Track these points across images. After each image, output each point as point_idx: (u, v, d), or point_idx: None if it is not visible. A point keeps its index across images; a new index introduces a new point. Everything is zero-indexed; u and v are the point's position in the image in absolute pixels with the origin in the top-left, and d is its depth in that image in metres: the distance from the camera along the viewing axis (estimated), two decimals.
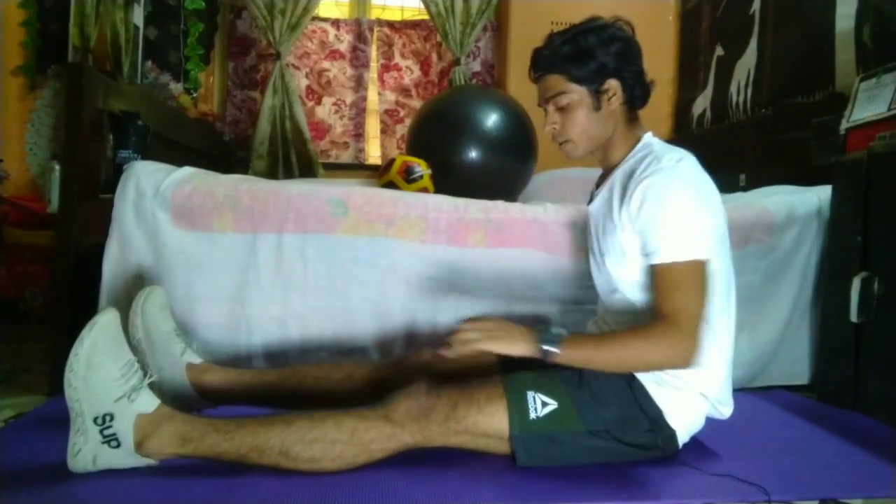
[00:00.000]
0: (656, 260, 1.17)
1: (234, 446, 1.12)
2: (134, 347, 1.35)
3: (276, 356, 1.69)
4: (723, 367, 1.27)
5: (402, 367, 1.39)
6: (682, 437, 1.26)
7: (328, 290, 1.70)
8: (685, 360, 1.13)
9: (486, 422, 1.19)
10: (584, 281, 1.77)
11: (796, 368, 1.92)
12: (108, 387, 1.11)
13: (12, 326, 2.55)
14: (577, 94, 1.27)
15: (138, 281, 1.62)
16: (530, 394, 1.21)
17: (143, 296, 1.39)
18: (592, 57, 1.25)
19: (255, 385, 1.40)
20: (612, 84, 1.27)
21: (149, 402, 1.15)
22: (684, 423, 1.24)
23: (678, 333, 1.13)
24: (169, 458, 1.14)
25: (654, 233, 1.17)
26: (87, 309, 1.62)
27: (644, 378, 1.23)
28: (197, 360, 1.40)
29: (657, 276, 1.18)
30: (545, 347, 1.13)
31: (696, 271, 1.15)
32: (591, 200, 1.41)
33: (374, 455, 1.16)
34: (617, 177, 1.29)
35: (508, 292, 1.75)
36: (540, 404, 1.20)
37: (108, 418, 1.11)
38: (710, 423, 1.31)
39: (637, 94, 1.30)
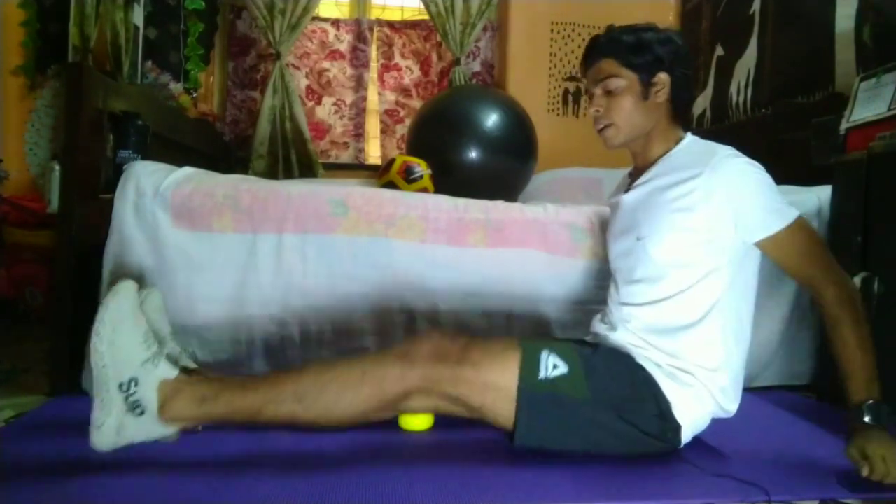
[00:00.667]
0: (776, 228, 1.22)
1: (248, 402, 1.14)
2: None
3: (277, 356, 1.69)
4: (740, 360, 1.30)
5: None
6: (686, 435, 1.26)
7: (328, 290, 1.70)
8: (856, 287, 1.27)
9: (497, 371, 1.20)
10: (583, 281, 1.77)
11: (796, 368, 1.92)
12: (134, 349, 1.12)
13: (12, 326, 2.55)
14: (627, 79, 1.32)
15: (138, 281, 1.61)
16: (544, 353, 1.23)
17: (140, 298, 1.38)
18: (650, 49, 1.31)
19: None
20: (663, 77, 1.32)
21: (170, 369, 1.15)
22: (690, 420, 1.25)
23: (840, 283, 1.22)
24: (189, 423, 1.15)
25: (761, 206, 1.23)
26: (87, 309, 1.62)
27: (655, 371, 1.25)
28: (191, 366, 1.39)
29: (783, 242, 1.23)
30: (881, 420, 1.16)
31: (807, 225, 1.26)
32: (627, 190, 1.42)
33: (387, 395, 1.17)
34: (668, 167, 1.33)
35: (508, 292, 1.75)
36: (552, 366, 1.22)
37: (133, 384, 1.11)
38: (712, 422, 1.31)
39: (683, 96, 1.36)
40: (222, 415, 1.15)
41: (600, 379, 1.23)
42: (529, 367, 1.21)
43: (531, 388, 1.20)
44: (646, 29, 1.34)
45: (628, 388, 1.23)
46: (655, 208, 1.30)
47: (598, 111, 1.35)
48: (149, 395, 1.12)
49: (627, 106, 1.32)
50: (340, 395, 1.15)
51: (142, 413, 1.12)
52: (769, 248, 1.26)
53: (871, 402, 1.17)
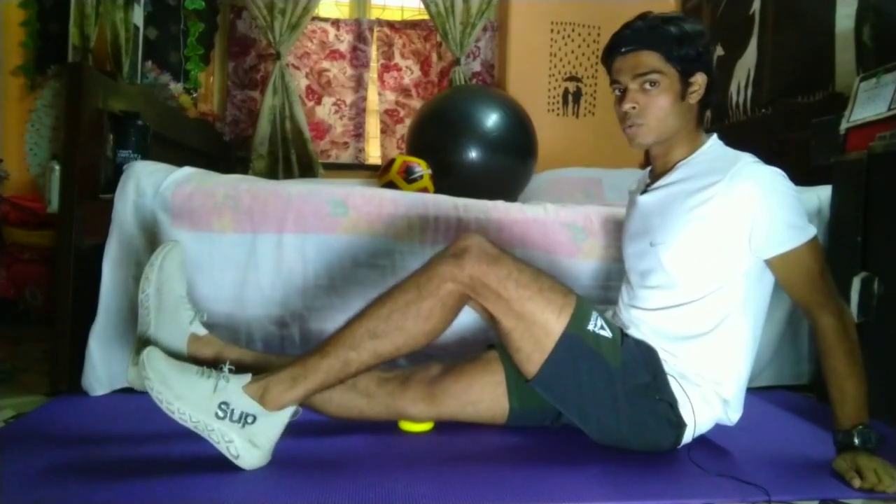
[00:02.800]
0: (790, 246, 1.19)
1: (331, 361, 1.17)
2: (140, 302, 1.33)
3: None
4: (746, 373, 1.29)
5: (410, 380, 1.36)
6: (688, 435, 1.27)
7: (328, 289, 1.70)
8: (852, 317, 1.24)
9: (542, 306, 1.21)
10: (583, 281, 1.77)
11: (796, 368, 1.92)
12: (199, 394, 1.13)
13: (12, 326, 2.55)
14: (669, 77, 1.23)
15: (138, 281, 1.62)
16: (595, 313, 1.26)
17: (163, 251, 1.35)
18: (691, 43, 1.23)
19: (258, 367, 1.38)
20: (699, 79, 1.26)
21: (240, 377, 1.17)
22: (694, 421, 1.25)
23: (838, 313, 1.20)
24: (289, 405, 1.17)
25: (780, 219, 1.19)
26: (87, 309, 1.62)
27: (670, 370, 1.26)
28: (202, 331, 1.37)
29: (792, 261, 1.20)
30: (869, 445, 1.18)
31: (819, 246, 1.23)
32: (644, 191, 1.38)
33: (446, 302, 1.20)
34: (688, 173, 1.28)
35: None
36: (599, 325, 1.25)
37: (223, 406, 1.13)
38: (714, 425, 1.32)
39: (711, 99, 1.30)
40: (319, 384, 1.18)
41: (632, 357, 1.24)
42: (581, 316, 1.23)
43: (576, 333, 1.22)
44: (683, 19, 1.25)
45: (650, 376, 1.24)
46: (671, 215, 1.27)
47: (633, 108, 1.25)
48: (244, 403, 1.14)
49: (665, 105, 1.24)
50: (406, 315, 1.18)
51: (254, 419, 1.14)
52: (776, 265, 1.22)
53: (860, 426, 1.18)
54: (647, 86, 1.24)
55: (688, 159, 1.31)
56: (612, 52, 1.29)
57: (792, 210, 1.19)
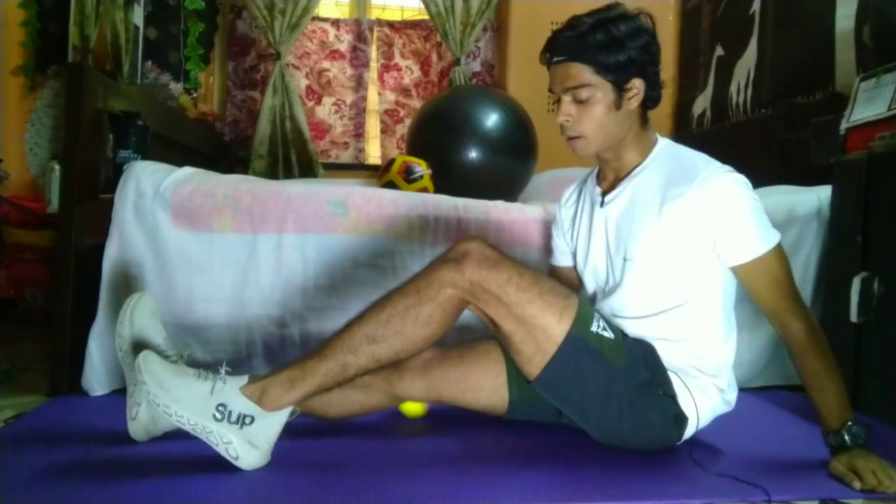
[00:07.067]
0: (757, 253, 1.18)
1: (330, 364, 1.16)
2: (121, 360, 1.31)
3: (276, 356, 1.69)
4: (731, 356, 1.31)
5: (403, 367, 1.35)
6: (690, 428, 1.27)
7: (328, 290, 1.70)
8: (816, 319, 1.23)
9: (543, 309, 1.20)
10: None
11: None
12: (196, 396, 1.13)
13: (12, 326, 2.55)
14: (600, 89, 1.20)
15: (138, 281, 1.62)
16: (597, 315, 1.26)
17: (130, 304, 1.31)
18: (622, 48, 1.18)
19: None
20: (637, 84, 1.22)
21: (237, 378, 1.17)
22: (696, 411, 1.25)
23: (806, 316, 1.20)
24: (286, 407, 1.17)
25: (745, 228, 1.18)
26: (87, 309, 1.63)
27: (668, 364, 1.26)
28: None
29: (758, 269, 1.19)
30: (860, 440, 1.18)
31: (783, 252, 1.22)
32: (602, 203, 1.33)
33: (446, 308, 1.19)
34: (647, 181, 1.26)
35: None
36: (602, 326, 1.24)
37: (221, 408, 1.13)
38: (713, 421, 1.32)
39: (654, 96, 1.26)
40: (316, 387, 1.17)
41: (633, 357, 1.24)
42: (584, 318, 1.23)
43: (580, 334, 1.21)
44: (615, 19, 1.19)
45: (651, 372, 1.24)
46: (640, 226, 1.24)
47: (567, 120, 1.23)
48: (241, 404, 1.14)
49: (599, 117, 1.21)
50: (405, 320, 1.18)
51: (252, 420, 1.14)
52: (742, 273, 1.21)
53: (849, 423, 1.18)
54: (579, 99, 1.22)
55: (643, 164, 1.28)
56: (543, 59, 1.27)
57: (755, 218, 1.18)
